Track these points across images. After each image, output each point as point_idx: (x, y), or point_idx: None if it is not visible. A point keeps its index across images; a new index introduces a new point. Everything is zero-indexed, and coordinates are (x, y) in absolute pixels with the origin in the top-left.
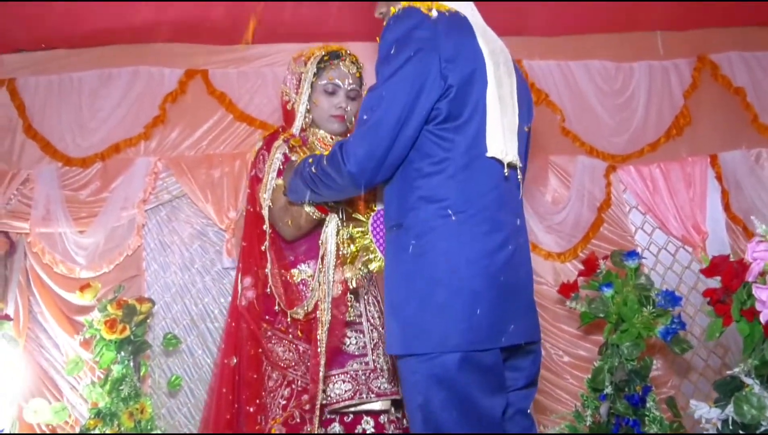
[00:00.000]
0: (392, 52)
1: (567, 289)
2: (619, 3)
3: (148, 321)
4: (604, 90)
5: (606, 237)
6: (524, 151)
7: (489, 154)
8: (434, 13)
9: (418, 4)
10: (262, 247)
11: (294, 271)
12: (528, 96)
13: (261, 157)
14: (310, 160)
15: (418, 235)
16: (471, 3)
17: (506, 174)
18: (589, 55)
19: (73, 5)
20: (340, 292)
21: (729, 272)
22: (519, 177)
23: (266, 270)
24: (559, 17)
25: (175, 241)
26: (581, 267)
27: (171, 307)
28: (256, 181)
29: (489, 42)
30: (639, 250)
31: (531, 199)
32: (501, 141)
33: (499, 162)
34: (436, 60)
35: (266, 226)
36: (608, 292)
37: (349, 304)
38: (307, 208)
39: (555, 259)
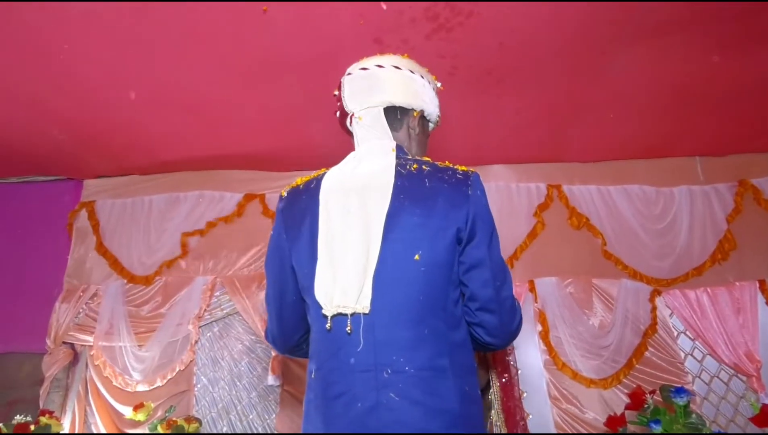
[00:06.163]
0: None
1: (614, 423)
2: (657, 129)
3: None
4: (644, 214)
5: (654, 363)
6: (425, 281)
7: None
8: (284, 193)
9: (290, 183)
10: None
11: None
12: (446, 216)
13: None
14: None
15: (305, 399)
16: (368, 145)
17: (328, 327)
18: (628, 180)
19: (149, 139)
20: None
21: None
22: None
23: None
24: (598, 144)
25: (225, 356)
26: (627, 392)
27: (217, 423)
28: None
29: (337, 191)
30: (690, 377)
31: (575, 322)
32: (323, 294)
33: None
34: (282, 234)
35: None
36: (657, 429)
37: None
38: None
39: (598, 386)
